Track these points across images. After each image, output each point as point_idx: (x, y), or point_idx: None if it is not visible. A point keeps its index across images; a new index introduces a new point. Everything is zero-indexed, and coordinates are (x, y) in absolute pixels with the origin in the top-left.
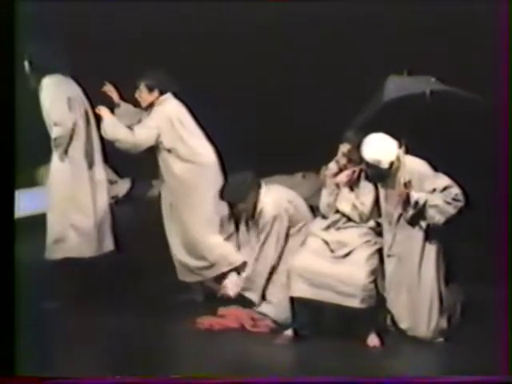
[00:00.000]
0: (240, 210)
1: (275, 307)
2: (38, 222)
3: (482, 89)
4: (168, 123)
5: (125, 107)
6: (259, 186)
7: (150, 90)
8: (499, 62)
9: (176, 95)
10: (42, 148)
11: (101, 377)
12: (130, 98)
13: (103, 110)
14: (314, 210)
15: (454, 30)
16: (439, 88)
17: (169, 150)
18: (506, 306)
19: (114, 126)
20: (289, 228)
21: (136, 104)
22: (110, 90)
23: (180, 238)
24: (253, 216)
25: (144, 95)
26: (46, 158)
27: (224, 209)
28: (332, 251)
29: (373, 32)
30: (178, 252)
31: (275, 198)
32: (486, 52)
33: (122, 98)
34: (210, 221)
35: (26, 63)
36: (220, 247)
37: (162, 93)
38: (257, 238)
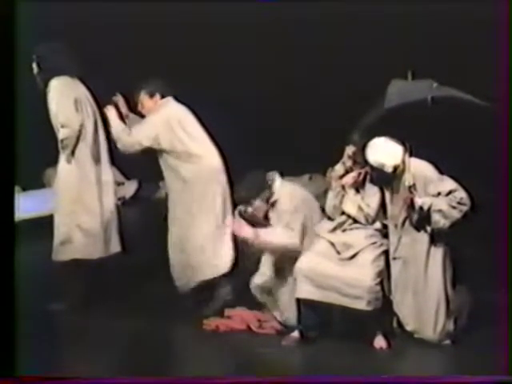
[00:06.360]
0: (256, 208)
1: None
2: (45, 223)
3: (483, 90)
4: (166, 124)
5: (134, 119)
6: (273, 181)
7: (151, 96)
8: (499, 62)
9: (178, 99)
10: (45, 149)
11: (101, 377)
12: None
13: (110, 111)
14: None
15: (454, 30)
16: (441, 94)
17: (168, 152)
18: (506, 306)
19: (117, 126)
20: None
21: (144, 116)
22: (119, 100)
23: (174, 238)
24: (267, 211)
25: (146, 102)
26: (49, 159)
27: (221, 216)
28: (338, 253)
29: (374, 33)
30: (172, 252)
31: (291, 191)
32: (486, 52)
33: (131, 109)
34: (204, 224)
35: (34, 65)
36: (208, 252)
37: (163, 97)
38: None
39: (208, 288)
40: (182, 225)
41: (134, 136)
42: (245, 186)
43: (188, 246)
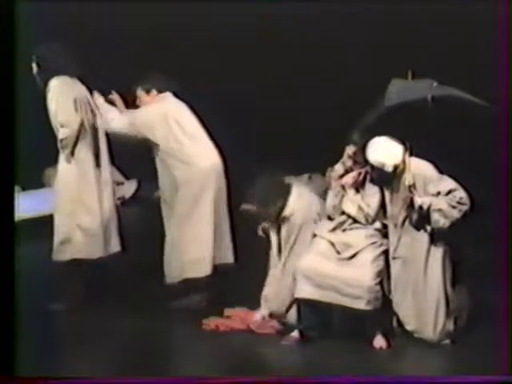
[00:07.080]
0: (269, 214)
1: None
2: (45, 223)
3: (483, 90)
4: (162, 118)
5: None
6: (289, 190)
7: (148, 92)
8: (499, 62)
9: (176, 95)
10: (45, 149)
11: (101, 377)
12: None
13: (98, 99)
14: None
15: (454, 30)
16: (441, 93)
17: (162, 147)
18: (506, 305)
19: (107, 109)
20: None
21: None
22: (115, 98)
23: (168, 237)
24: (277, 218)
25: (143, 98)
26: (49, 159)
27: (214, 217)
28: (338, 253)
29: (374, 33)
30: (165, 249)
31: (305, 205)
32: (486, 52)
33: (127, 106)
34: (196, 225)
35: (34, 65)
36: (194, 252)
37: (160, 93)
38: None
39: (188, 288)
40: (174, 224)
41: (127, 116)
42: (257, 193)
43: (179, 245)
